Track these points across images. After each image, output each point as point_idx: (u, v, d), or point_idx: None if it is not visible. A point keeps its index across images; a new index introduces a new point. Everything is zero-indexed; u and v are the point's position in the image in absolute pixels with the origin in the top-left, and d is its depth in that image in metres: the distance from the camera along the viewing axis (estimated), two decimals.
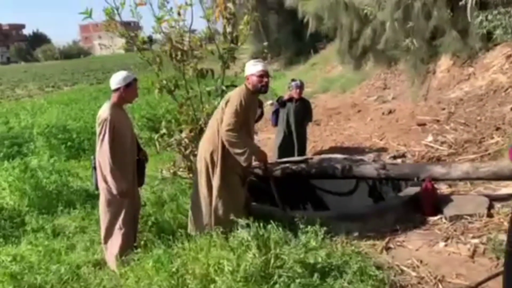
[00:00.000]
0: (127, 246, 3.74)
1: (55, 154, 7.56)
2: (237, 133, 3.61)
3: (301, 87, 6.24)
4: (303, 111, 6.30)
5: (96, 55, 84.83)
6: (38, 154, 7.74)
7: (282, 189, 5.05)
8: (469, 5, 4.28)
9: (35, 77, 34.71)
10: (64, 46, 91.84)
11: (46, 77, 34.58)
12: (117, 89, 3.70)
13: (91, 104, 11.78)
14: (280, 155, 6.05)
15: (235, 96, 3.75)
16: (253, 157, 3.84)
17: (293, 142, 6.27)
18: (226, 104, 3.76)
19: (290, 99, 6.22)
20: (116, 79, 3.72)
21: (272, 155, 6.55)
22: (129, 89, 3.72)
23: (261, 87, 3.75)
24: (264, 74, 3.73)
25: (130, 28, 4.81)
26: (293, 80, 6.41)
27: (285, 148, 6.18)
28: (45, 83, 28.39)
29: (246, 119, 3.74)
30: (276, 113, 6.40)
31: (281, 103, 6.26)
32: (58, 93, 20.21)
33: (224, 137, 3.66)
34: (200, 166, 3.84)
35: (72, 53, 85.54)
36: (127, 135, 3.76)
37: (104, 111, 3.67)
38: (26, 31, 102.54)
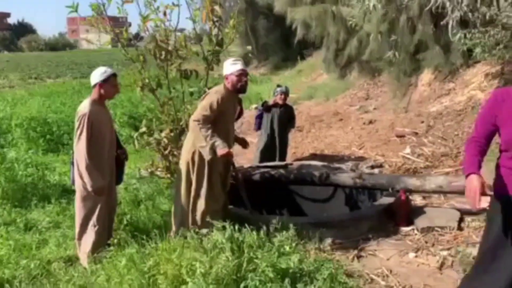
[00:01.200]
0: (100, 244, 3.72)
1: (33, 147, 7.45)
2: (203, 126, 3.59)
3: (286, 93, 6.31)
4: (286, 117, 6.37)
5: (82, 48, 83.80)
6: (15, 145, 7.62)
7: (259, 193, 5.11)
8: (450, 24, 4.40)
9: (17, 68, 34.02)
10: (49, 38, 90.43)
11: (29, 68, 33.93)
12: (95, 85, 3.69)
13: (73, 97, 11.62)
14: (262, 159, 6.10)
15: (212, 93, 3.78)
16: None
17: (275, 147, 6.32)
18: (203, 98, 3.82)
19: (275, 105, 6.28)
20: (94, 75, 3.72)
21: (253, 159, 6.60)
22: (107, 85, 3.69)
23: (240, 86, 3.78)
24: (243, 73, 3.76)
25: (118, 23, 4.79)
26: (278, 86, 6.47)
27: (267, 153, 6.23)
28: (28, 74, 27.83)
29: (223, 118, 3.74)
30: (259, 117, 6.44)
31: (266, 108, 6.30)
32: (40, 85, 19.86)
33: (190, 127, 3.70)
34: (182, 166, 3.85)
35: (57, 46, 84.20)
36: (105, 132, 3.73)
37: (83, 107, 3.65)
38: (11, 20, 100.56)
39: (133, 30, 5.26)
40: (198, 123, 3.61)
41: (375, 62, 9.99)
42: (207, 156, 3.66)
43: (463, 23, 5.89)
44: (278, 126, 6.28)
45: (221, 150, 3.58)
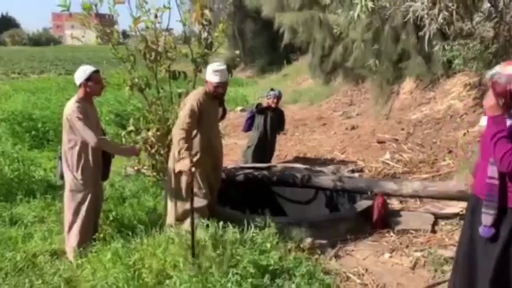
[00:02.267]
0: (86, 238, 3.80)
1: (18, 142, 7.44)
2: (183, 138, 3.69)
3: (279, 97, 6.48)
4: (277, 120, 6.53)
5: (66, 44, 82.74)
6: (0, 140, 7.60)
7: (243, 193, 5.25)
8: (427, 36, 4.61)
9: (0, 61, 33.55)
10: (33, 33, 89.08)
11: (12, 62, 33.46)
12: (80, 85, 3.78)
13: (58, 94, 11.58)
14: (254, 160, 6.23)
15: (190, 98, 3.91)
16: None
17: (265, 148, 6.47)
18: (184, 105, 3.93)
19: (268, 108, 6.43)
20: (77, 75, 3.80)
21: (239, 160, 6.73)
22: (91, 83, 3.76)
23: (215, 95, 3.94)
24: (220, 86, 3.89)
25: (105, 20, 4.85)
26: (272, 89, 6.63)
27: (258, 154, 6.37)
28: (11, 69, 27.48)
29: (205, 120, 3.88)
30: (251, 119, 6.58)
31: (260, 110, 6.45)
32: (24, 80, 19.64)
33: (173, 134, 3.81)
34: (170, 164, 3.96)
35: (41, 40, 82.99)
36: (92, 128, 3.78)
37: (69, 108, 3.73)
38: None
39: (120, 27, 5.30)
40: (181, 132, 3.72)
41: (359, 70, 10.22)
42: (176, 168, 3.75)
43: (443, 35, 6.13)
44: (270, 128, 6.44)
45: (180, 167, 3.65)
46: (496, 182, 2.41)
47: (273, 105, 6.42)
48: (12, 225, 4.50)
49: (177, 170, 3.73)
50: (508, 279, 2.44)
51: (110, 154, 4.07)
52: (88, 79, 3.74)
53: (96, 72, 3.81)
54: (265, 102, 6.58)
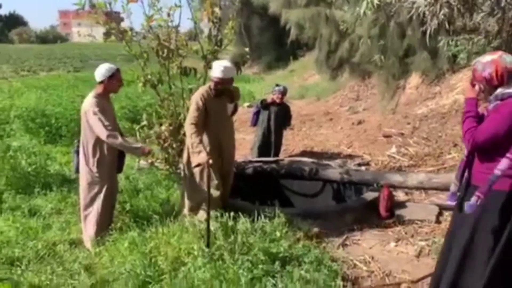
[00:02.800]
0: (103, 228, 3.97)
1: (33, 138, 7.65)
2: (194, 132, 3.85)
3: (283, 93, 6.57)
4: (283, 115, 6.64)
5: (73, 41, 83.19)
6: (14, 136, 7.80)
7: (252, 186, 5.40)
8: (428, 31, 4.73)
9: (9, 59, 33.90)
10: (41, 30, 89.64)
11: (21, 60, 33.82)
12: (101, 81, 3.93)
13: (69, 91, 11.78)
14: (259, 155, 6.37)
15: (196, 94, 4.08)
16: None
17: (271, 143, 6.59)
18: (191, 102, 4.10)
19: (272, 103, 6.55)
20: (100, 72, 3.94)
21: (247, 154, 6.88)
22: (112, 80, 3.93)
23: (214, 90, 4.06)
24: (218, 82, 3.99)
25: (112, 17, 5.01)
26: (277, 85, 6.72)
27: (263, 149, 6.50)
28: (20, 67, 27.81)
29: (212, 116, 4.03)
30: (257, 114, 6.71)
31: (264, 105, 6.56)
32: (34, 77, 19.94)
33: (186, 131, 3.97)
34: (185, 156, 4.12)
35: (48, 38, 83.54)
36: (106, 124, 3.90)
37: (87, 104, 3.90)
38: (2, 11, 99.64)
39: (124, 24, 5.41)
40: (191, 127, 3.89)
41: (365, 65, 10.33)
42: (193, 163, 3.91)
43: (448, 30, 6.23)
44: (274, 123, 6.56)
45: (198, 160, 3.79)
46: (465, 158, 2.70)
47: (278, 101, 6.50)
48: (31, 216, 4.68)
49: (195, 163, 3.86)
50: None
51: None
52: (111, 76, 3.91)
53: (118, 70, 3.99)
54: (270, 98, 6.69)
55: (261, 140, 6.51)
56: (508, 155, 2.47)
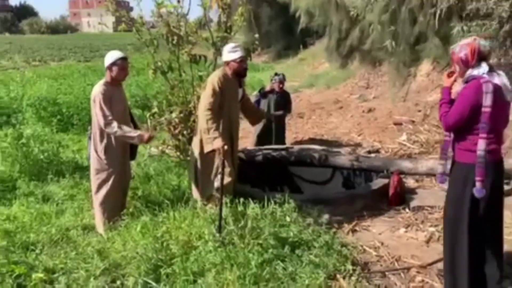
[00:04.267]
0: (113, 213, 4.02)
1: (45, 126, 7.75)
2: (210, 118, 3.84)
3: (282, 81, 6.61)
4: (283, 103, 6.65)
5: (83, 31, 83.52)
6: (26, 124, 7.90)
7: (262, 174, 5.42)
8: (438, 14, 4.67)
9: (20, 50, 34.18)
10: (51, 21, 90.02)
11: (32, 50, 34.12)
12: (107, 68, 3.96)
13: (80, 80, 11.87)
14: (259, 144, 6.38)
15: (212, 78, 4.04)
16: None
17: (271, 131, 6.60)
18: (205, 86, 4.08)
19: (271, 91, 6.57)
20: (106, 58, 3.97)
21: (250, 143, 6.90)
22: (115, 68, 3.91)
23: (242, 71, 4.09)
24: (244, 60, 4.05)
25: (121, 7, 5.03)
26: (276, 74, 6.76)
27: (263, 137, 6.51)
28: (31, 57, 28.05)
29: (225, 100, 4.02)
30: (257, 103, 6.72)
31: (263, 94, 6.59)
32: (45, 67, 20.11)
33: (200, 115, 3.95)
34: (196, 143, 4.14)
35: (59, 28, 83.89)
36: (118, 111, 3.95)
37: (94, 90, 3.93)
38: (13, 2, 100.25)
39: (133, 14, 5.43)
40: (207, 112, 3.87)
41: (376, 52, 10.21)
42: (206, 149, 3.93)
43: (460, 16, 6.14)
44: (274, 111, 6.57)
45: (214, 145, 3.81)
46: (449, 138, 2.91)
47: (277, 89, 6.56)
48: (44, 202, 4.77)
49: (209, 149, 3.87)
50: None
51: None
52: (113, 63, 3.91)
53: (123, 59, 3.95)
54: (269, 87, 6.72)
55: (261, 129, 6.53)
56: (481, 135, 2.68)
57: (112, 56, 3.93)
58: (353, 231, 4.11)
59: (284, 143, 6.62)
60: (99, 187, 4.04)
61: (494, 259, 2.84)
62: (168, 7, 4.64)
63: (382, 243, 3.84)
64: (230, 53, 4.03)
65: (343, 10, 11.40)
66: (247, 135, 7.82)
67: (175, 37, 4.68)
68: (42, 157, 5.54)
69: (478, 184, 2.69)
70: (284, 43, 23.83)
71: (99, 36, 53.26)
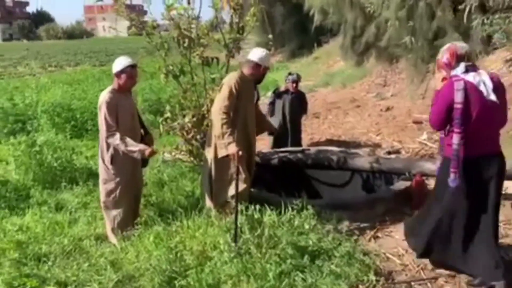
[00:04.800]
0: (125, 222, 3.93)
1: (59, 132, 7.72)
2: (225, 121, 3.70)
3: (297, 81, 6.47)
4: (298, 103, 6.50)
5: (98, 36, 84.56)
6: (41, 131, 7.89)
7: (278, 177, 5.27)
8: (467, 9, 4.45)
9: (37, 56, 34.68)
10: (67, 26, 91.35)
11: (49, 56, 34.55)
12: (115, 75, 3.83)
13: (94, 85, 11.89)
14: (275, 145, 6.24)
15: (229, 80, 3.91)
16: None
17: (287, 132, 6.46)
18: (220, 88, 3.94)
19: (286, 91, 6.44)
20: (114, 65, 3.82)
21: (266, 145, 6.76)
22: (123, 76, 3.76)
23: (263, 77, 3.99)
24: (268, 68, 4.00)
25: (135, 11, 4.95)
26: (290, 74, 6.63)
27: (280, 139, 6.37)
28: (48, 62, 28.38)
29: (241, 103, 3.88)
30: (272, 104, 6.58)
31: (277, 94, 6.45)
32: (60, 72, 20.27)
33: (214, 118, 3.81)
34: (209, 150, 4.02)
35: (75, 34, 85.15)
36: (125, 118, 3.83)
37: (101, 97, 3.81)
38: (30, 9, 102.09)
39: (147, 17, 5.36)
40: (222, 115, 3.73)
41: (393, 49, 9.96)
42: (219, 154, 3.80)
43: (482, 8, 5.89)
44: (289, 112, 6.43)
45: (228, 150, 3.67)
46: (442, 135, 3.12)
47: (291, 89, 6.42)
48: (57, 210, 4.70)
49: (223, 154, 3.75)
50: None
51: (148, 141, 4.13)
52: (122, 71, 3.76)
53: (132, 66, 3.80)
54: (283, 87, 6.58)
55: (278, 129, 6.39)
56: (454, 129, 2.89)
57: (121, 62, 3.79)
58: (375, 237, 3.93)
59: (300, 145, 6.47)
60: (107, 196, 3.94)
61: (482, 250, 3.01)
62: (178, 10, 4.53)
63: (407, 251, 3.64)
64: (261, 57, 3.93)
65: (357, 7, 11.20)
66: (263, 136, 7.68)
67: (186, 40, 4.57)
68: (55, 164, 5.47)
69: (452, 175, 2.95)
70: (298, 42, 23.59)
71: (114, 40, 53.80)
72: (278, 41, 24.21)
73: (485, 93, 2.85)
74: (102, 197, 3.96)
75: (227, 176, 3.93)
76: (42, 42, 65.46)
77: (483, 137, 2.96)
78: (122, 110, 3.81)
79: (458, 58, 2.95)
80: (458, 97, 2.83)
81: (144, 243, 3.60)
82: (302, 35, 22.37)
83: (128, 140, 3.72)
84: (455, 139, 2.89)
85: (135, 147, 3.72)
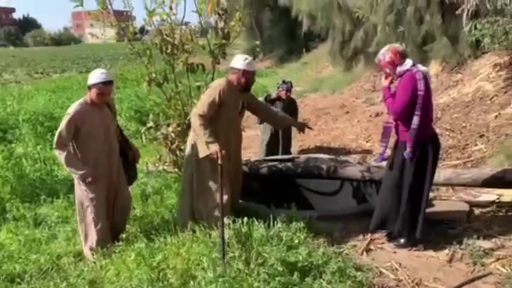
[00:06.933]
0: (100, 239, 3.73)
1: (41, 142, 7.47)
2: (203, 123, 3.57)
3: (289, 90, 6.43)
4: (290, 110, 6.37)
5: (87, 42, 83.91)
6: (23, 141, 7.64)
7: (267, 186, 5.11)
8: (464, 14, 4.36)
9: (23, 63, 34.18)
10: (55, 32, 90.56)
11: (35, 63, 34.09)
12: (87, 87, 3.62)
13: (79, 92, 11.61)
14: (267, 153, 6.12)
15: (213, 87, 3.78)
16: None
17: (278, 140, 6.33)
18: (205, 91, 3.83)
19: (278, 98, 6.32)
20: (90, 76, 3.60)
21: (257, 152, 6.61)
22: (93, 90, 3.54)
23: (252, 83, 3.87)
24: (254, 74, 3.88)
25: (123, 17, 4.77)
26: (284, 82, 6.52)
27: (271, 146, 6.25)
28: (34, 69, 27.96)
29: (225, 112, 3.74)
30: None
31: (269, 101, 6.32)
32: (46, 79, 19.94)
33: (192, 121, 3.67)
34: (186, 159, 3.86)
35: (62, 40, 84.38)
36: (95, 133, 3.63)
37: (70, 108, 3.61)
38: (16, 15, 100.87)
39: (137, 23, 5.22)
40: (200, 118, 3.59)
41: None
42: (201, 154, 3.64)
43: (475, 13, 5.83)
44: None
45: (209, 150, 3.52)
46: (391, 125, 3.61)
47: (283, 97, 6.37)
48: (36, 226, 4.49)
49: (203, 154, 3.57)
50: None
51: (132, 158, 3.96)
52: (94, 85, 3.53)
53: (105, 83, 3.55)
54: (274, 94, 6.50)
55: (269, 137, 6.28)
56: (415, 112, 3.35)
57: (96, 76, 3.55)
58: (367, 250, 3.77)
59: (290, 152, 6.34)
60: (79, 211, 3.75)
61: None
62: (160, 15, 4.36)
63: (400, 264, 3.50)
64: (250, 64, 3.81)
65: (345, 12, 11.17)
66: (251, 144, 7.54)
67: (169, 46, 4.39)
68: (35, 176, 5.25)
69: (408, 149, 3.44)
70: (286, 47, 23.61)
71: (102, 46, 53.31)
72: (267, 46, 24.23)
73: (430, 82, 3.50)
74: (78, 213, 3.78)
75: (207, 184, 3.78)
76: (29, 49, 64.68)
77: (430, 119, 3.59)
78: (92, 124, 3.59)
79: (401, 55, 3.43)
80: (421, 85, 3.34)
81: (126, 261, 3.41)
82: (291, 40, 22.42)
83: (75, 160, 3.55)
84: (416, 120, 3.36)
85: (80, 170, 3.55)
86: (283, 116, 4.70)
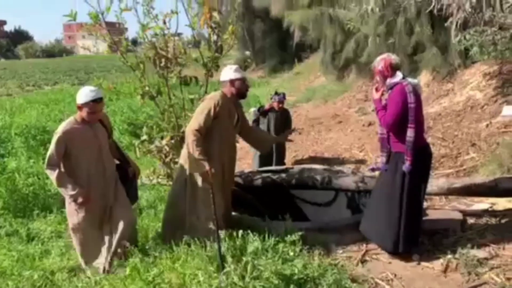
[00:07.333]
0: (87, 254, 3.70)
1: (33, 156, 7.42)
2: (196, 139, 3.55)
3: (282, 101, 6.47)
4: (283, 121, 6.41)
5: (79, 54, 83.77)
6: (15, 155, 7.59)
7: (261, 197, 5.11)
8: (453, 26, 4.43)
9: (15, 75, 34.04)
10: (46, 45, 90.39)
11: (27, 75, 33.95)
12: (77, 107, 3.54)
13: (71, 105, 11.60)
14: (261, 164, 6.12)
15: (207, 100, 3.79)
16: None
17: (272, 150, 6.34)
18: (200, 103, 3.83)
19: (271, 109, 6.36)
20: (78, 95, 3.50)
21: (251, 164, 6.62)
22: (85, 109, 3.45)
23: (246, 91, 3.90)
24: (245, 80, 3.90)
25: (115, 29, 4.78)
26: (276, 93, 6.55)
27: (265, 157, 6.25)
28: (25, 82, 27.85)
29: (219, 124, 3.74)
30: (256, 121, 6.47)
31: (262, 112, 6.35)
32: (38, 92, 19.85)
33: (186, 136, 3.66)
34: (178, 172, 3.85)
35: (54, 52, 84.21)
36: (86, 151, 3.55)
37: (60, 126, 3.55)
38: (8, 28, 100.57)
39: (129, 34, 5.23)
40: (194, 134, 3.58)
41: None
42: (190, 170, 3.64)
43: (464, 24, 5.92)
44: (274, 130, 6.36)
45: (199, 169, 3.50)
46: (385, 135, 3.69)
47: (277, 108, 6.41)
48: (29, 241, 4.44)
49: (193, 171, 3.59)
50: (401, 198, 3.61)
51: (131, 175, 3.91)
52: (85, 104, 3.45)
53: (95, 101, 3.47)
54: (267, 105, 6.54)
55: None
56: (409, 125, 3.41)
57: (85, 94, 3.46)
58: (363, 261, 3.78)
59: (284, 163, 6.35)
60: (73, 229, 3.68)
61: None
62: (154, 29, 4.38)
63: (395, 275, 3.51)
64: (236, 72, 3.82)
65: (336, 23, 11.28)
66: (245, 156, 7.54)
67: (163, 59, 4.41)
68: (27, 191, 5.21)
69: (407, 162, 3.48)
70: (279, 58, 23.75)
71: (94, 58, 53.26)
72: (259, 57, 24.38)
73: (420, 94, 3.53)
74: (70, 230, 3.73)
75: (199, 198, 3.76)
76: (20, 61, 64.44)
77: (422, 130, 3.65)
78: (83, 142, 3.52)
79: (392, 67, 3.49)
80: (411, 97, 3.39)
81: (120, 276, 3.38)
82: (283, 51, 22.56)
83: (67, 180, 3.48)
84: (410, 132, 3.42)
85: (71, 190, 3.48)
86: (264, 137, 4.65)
